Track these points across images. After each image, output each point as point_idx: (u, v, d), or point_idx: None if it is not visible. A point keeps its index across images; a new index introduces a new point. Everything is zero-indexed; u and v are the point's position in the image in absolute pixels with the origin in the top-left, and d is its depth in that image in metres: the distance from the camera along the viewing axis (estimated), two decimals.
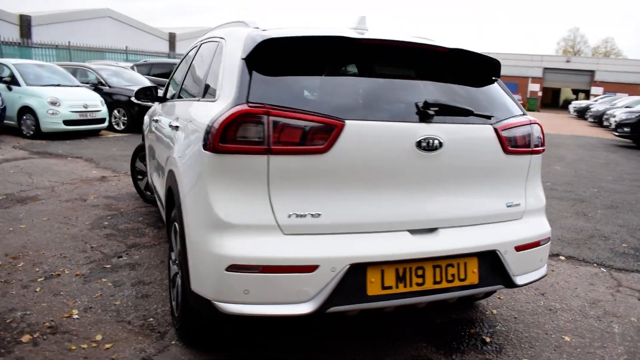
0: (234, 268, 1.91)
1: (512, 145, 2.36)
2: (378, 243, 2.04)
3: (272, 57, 2.12)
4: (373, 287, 2.02)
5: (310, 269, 1.91)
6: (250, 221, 1.94)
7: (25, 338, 2.50)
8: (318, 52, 2.22)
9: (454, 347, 2.62)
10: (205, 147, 1.98)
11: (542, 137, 2.54)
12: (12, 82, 9.93)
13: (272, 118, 1.92)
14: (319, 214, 1.98)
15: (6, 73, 10.10)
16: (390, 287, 2.04)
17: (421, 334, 2.74)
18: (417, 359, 2.49)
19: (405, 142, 2.06)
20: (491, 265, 2.27)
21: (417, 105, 2.13)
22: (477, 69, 2.52)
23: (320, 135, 1.95)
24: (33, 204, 4.98)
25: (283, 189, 1.96)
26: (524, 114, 2.52)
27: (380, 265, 2.03)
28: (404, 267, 2.07)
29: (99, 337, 2.54)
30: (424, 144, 2.08)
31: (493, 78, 2.54)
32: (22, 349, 2.41)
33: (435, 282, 2.13)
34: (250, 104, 1.95)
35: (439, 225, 2.18)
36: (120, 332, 2.61)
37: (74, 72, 11.94)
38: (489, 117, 2.31)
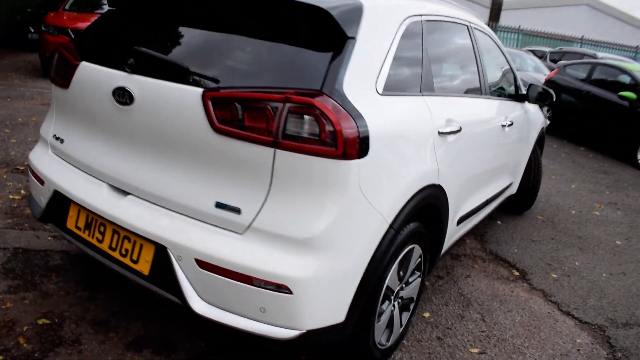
0: (27, 167, 2.53)
1: (230, 123, 1.68)
2: (80, 184, 2.09)
3: (114, 7, 2.37)
4: (70, 221, 2.13)
5: (42, 182, 2.24)
6: (43, 135, 2.39)
7: None
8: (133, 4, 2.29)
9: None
10: None
11: (326, 132, 1.62)
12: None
13: (56, 55, 2.29)
14: (64, 140, 2.23)
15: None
16: (79, 229, 2.09)
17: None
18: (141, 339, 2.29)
19: (105, 89, 1.99)
20: (169, 267, 1.80)
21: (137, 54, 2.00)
22: (306, 23, 1.82)
23: (67, 72, 2.18)
24: None
25: (58, 114, 2.31)
26: (318, 91, 1.64)
27: (78, 205, 2.08)
28: (93, 218, 2.04)
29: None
30: (116, 95, 1.94)
31: (329, 38, 1.80)
32: None
33: (110, 248, 1.98)
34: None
35: (131, 191, 1.96)
36: None
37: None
38: (215, 81, 1.75)
